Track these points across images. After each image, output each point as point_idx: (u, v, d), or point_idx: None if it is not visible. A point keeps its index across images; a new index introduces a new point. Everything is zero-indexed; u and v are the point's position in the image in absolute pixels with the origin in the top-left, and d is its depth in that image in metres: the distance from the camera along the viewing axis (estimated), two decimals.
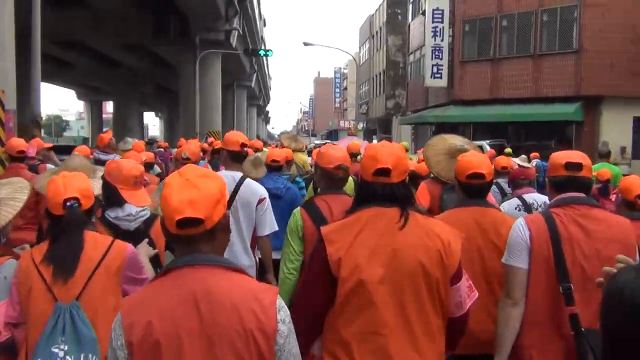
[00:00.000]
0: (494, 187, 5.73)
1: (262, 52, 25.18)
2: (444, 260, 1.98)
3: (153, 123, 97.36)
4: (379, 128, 42.00)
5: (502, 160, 6.28)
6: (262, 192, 3.81)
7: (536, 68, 20.34)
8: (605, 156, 10.12)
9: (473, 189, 2.81)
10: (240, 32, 30.18)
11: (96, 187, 2.66)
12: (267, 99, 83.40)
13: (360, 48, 47.77)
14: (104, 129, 39.47)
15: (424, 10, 23.84)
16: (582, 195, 2.47)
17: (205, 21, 25.82)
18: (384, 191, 2.05)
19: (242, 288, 1.54)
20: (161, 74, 36.31)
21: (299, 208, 3.11)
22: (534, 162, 10.97)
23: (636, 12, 18.75)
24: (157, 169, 7.79)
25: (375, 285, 1.95)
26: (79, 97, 57.88)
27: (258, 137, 35.97)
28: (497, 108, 20.98)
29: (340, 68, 70.19)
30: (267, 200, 3.80)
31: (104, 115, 61.29)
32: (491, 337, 2.50)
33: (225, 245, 1.63)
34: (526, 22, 20.56)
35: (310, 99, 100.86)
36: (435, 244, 1.99)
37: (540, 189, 5.99)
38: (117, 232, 2.58)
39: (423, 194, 4.39)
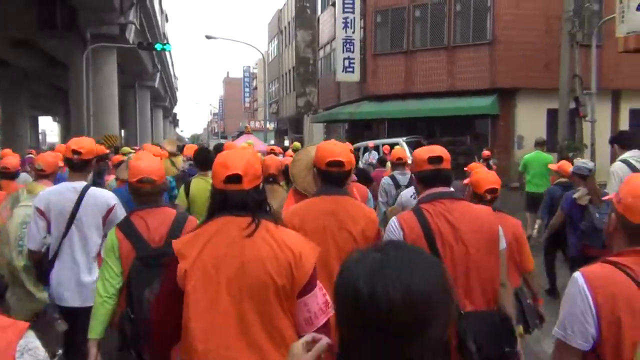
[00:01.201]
0: (388, 180, 6.04)
1: (159, 46, 22.86)
2: (293, 272, 1.98)
3: (51, 129, 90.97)
4: (290, 128, 40.59)
5: (398, 151, 6.53)
6: (110, 200, 3.61)
7: (450, 60, 19.54)
8: (540, 144, 9.83)
9: (332, 177, 2.82)
10: (138, 26, 27.81)
11: None
12: (174, 101, 79.85)
13: (269, 45, 46.06)
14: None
15: (334, 1, 22.52)
16: (448, 189, 2.67)
17: (96, 13, 23.50)
18: (235, 199, 2.05)
19: None
20: (55, 73, 32.96)
21: (114, 227, 2.92)
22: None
23: (550, 3, 18.33)
24: (24, 176, 6.72)
25: (221, 297, 1.97)
26: None
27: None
28: (411, 103, 20.02)
29: (250, 67, 68.36)
30: (117, 208, 3.59)
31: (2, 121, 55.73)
32: None
33: None
34: (439, 12, 19.70)
35: (220, 100, 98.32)
36: (286, 256, 2.00)
37: None
38: None
39: (289, 202, 4.21)
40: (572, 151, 17.07)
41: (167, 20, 49.00)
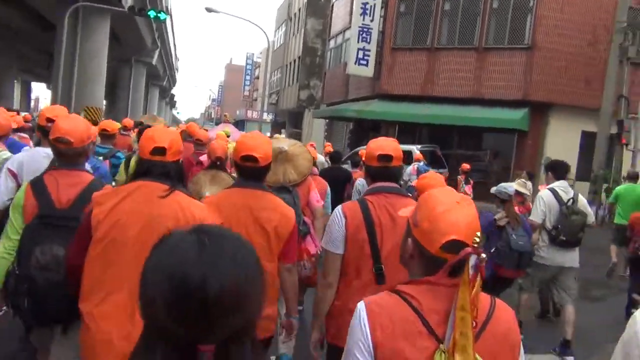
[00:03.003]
0: (363, 181, 6.26)
1: (152, 13, 20.37)
2: None
3: (45, 96, 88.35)
4: (289, 121, 38.25)
5: None
6: None
7: (480, 64, 17.20)
8: (633, 178, 9.51)
9: (246, 171, 2.84)
10: None
11: None
12: (172, 81, 77.30)
13: (275, 32, 43.55)
14: None
15: None
16: (393, 184, 2.76)
17: None
18: (158, 168, 2.31)
19: None
20: (48, 37, 30.92)
21: (26, 183, 2.82)
22: (416, 164, 11.09)
23: (599, 10, 16.03)
24: None
25: (124, 246, 2.20)
26: None
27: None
28: (429, 107, 17.68)
29: (253, 54, 66.07)
30: None
31: None
32: None
33: None
34: (473, 7, 17.36)
35: (219, 85, 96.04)
36: (186, 217, 2.24)
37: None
38: None
39: None
40: (607, 182, 14.84)
41: None
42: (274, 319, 2.94)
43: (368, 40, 18.52)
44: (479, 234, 1.46)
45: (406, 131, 18.80)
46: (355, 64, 18.59)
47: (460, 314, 1.40)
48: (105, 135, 5.82)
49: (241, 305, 0.97)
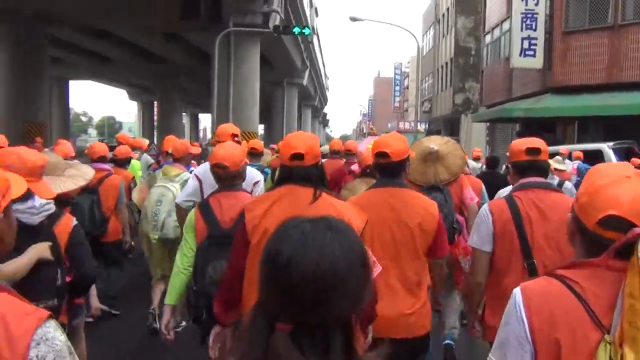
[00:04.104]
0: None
1: (296, 30, 20.24)
2: None
3: (211, 126, 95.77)
4: (444, 128, 36.15)
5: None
6: (256, 176, 4.05)
7: None
8: None
9: (381, 168, 2.90)
10: (282, 15, 25.72)
11: (58, 185, 2.76)
12: (324, 100, 78.88)
13: (423, 37, 41.69)
14: (154, 130, 42.32)
15: None
16: (541, 179, 2.73)
17: (239, 2, 22.18)
18: (299, 172, 2.41)
19: None
20: (208, 69, 33.22)
21: (195, 206, 3.15)
22: (576, 163, 9.97)
23: None
24: (145, 158, 9.24)
25: None
26: (131, 97, 56.56)
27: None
28: (616, 96, 14.78)
29: (401, 64, 64.72)
30: (261, 183, 4.11)
31: (156, 117, 59.85)
32: (394, 319, 2.71)
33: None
34: None
35: (369, 100, 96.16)
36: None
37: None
38: (20, 226, 2.01)
39: None
40: None
41: (317, 15, 46.96)
42: (425, 317, 2.88)
43: (534, 27, 16.12)
44: None
45: (588, 127, 16.02)
46: (520, 55, 16.27)
47: (629, 301, 1.23)
48: (254, 154, 6.30)
49: (332, 292, 1.00)
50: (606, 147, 11.98)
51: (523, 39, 16.21)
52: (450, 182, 4.32)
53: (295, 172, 2.41)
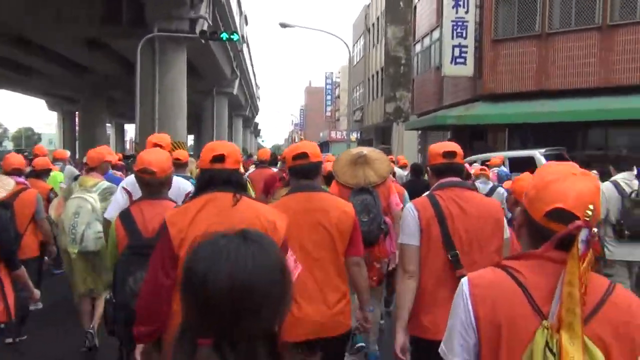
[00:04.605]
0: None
1: (224, 36, 19.46)
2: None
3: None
4: (376, 137, 36.25)
5: (478, 168, 8.09)
6: (187, 187, 4.03)
7: (606, 44, 14.34)
8: None
9: (299, 170, 2.97)
10: (210, 22, 24.89)
11: None
12: (255, 110, 77.96)
13: (353, 46, 41.81)
14: (76, 142, 40.57)
15: None
16: (458, 179, 2.90)
17: (163, 7, 21.17)
18: (220, 175, 2.40)
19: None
20: (131, 78, 31.91)
21: (116, 218, 3.09)
22: (495, 169, 10.02)
23: None
24: (70, 169, 8.59)
25: None
26: (51, 107, 53.53)
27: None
28: (545, 104, 14.98)
29: (332, 73, 65.01)
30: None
31: (77, 127, 57.08)
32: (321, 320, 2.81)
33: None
34: None
35: (301, 109, 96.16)
36: (262, 223, 2.31)
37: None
38: None
39: (334, 190, 4.51)
40: None
41: (246, 23, 46.19)
42: (348, 314, 2.93)
43: (464, 35, 16.16)
44: (592, 206, 1.37)
45: (519, 134, 16.19)
46: (451, 63, 16.26)
47: (567, 289, 1.32)
48: (178, 164, 6.33)
49: (249, 304, 1.01)
50: (538, 154, 12.06)
51: (454, 46, 16.22)
52: (378, 186, 4.51)
53: (216, 175, 2.40)
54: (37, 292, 3.66)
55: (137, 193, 3.58)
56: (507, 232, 2.85)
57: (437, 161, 2.91)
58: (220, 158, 2.39)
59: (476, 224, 2.73)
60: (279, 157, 8.28)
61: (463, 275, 2.58)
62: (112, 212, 3.84)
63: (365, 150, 4.73)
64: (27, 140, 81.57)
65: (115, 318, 2.77)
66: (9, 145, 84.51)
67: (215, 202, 2.34)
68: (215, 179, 2.38)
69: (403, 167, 11.56)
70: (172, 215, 2.37)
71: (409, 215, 2.81)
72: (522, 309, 1.37)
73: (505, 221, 2.86)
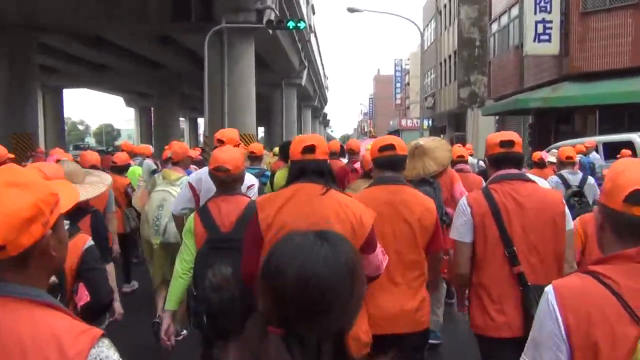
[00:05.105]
0: (557, 179, 6.06)
1: (291, 24, 19.14)
2: (356, 231, 2.33)
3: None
4: (449, 124, 35.02)
5: (566, 150, 6.57)
6: (250, 180, 4.00)
7: None
8: None
9: (385, 162, 2.95)
10: (277, 12, 24.71)
11: (82, 193, 2.71)
12: (324, 100, 77.85)
13: (424, 30, 40.41)
14: (153, 137, 41.03)
15: None
16: (516, 171, 2.82)
17: (231, 0, 21.10)
18: (311, 166, 2.45)
19: (42, 330, 1.16)
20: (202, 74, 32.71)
21: (194, 211, 3.20)
22: (578, 157, 8.75)
23: None
24: (148, 164, 8.82)
25: None
26: (128, 104, 55.55)
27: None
28: None
29: (401, 60, 63.61)
30: (255, 187, 4.10)
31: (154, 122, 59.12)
32: (397, 315, 2.80)
33: (48, 273, 1.30)
34: None
35: (370, 98, 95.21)
36: (349, 217, 2.35)
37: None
38: None
39: None
40: None
41: (313, 13, 45.84)
42: (425, 311, 2.91)
43: (548, 9, 14.90)
44: None
45: (611, 117, 14.80)
46: (534, 41, 15.05)
47: None
48: (253, 157, 6.24)
49: (317, 304, 1.04)
50: (637, 137, 10.82)
51: (537, 22, 14.99)
52: (440, 175, 4.49)
53: (307, 166, 2.45)
54: (119, 308, 3.54)
55: (203, 187, 3.82)
56: (571, 223, 2.80)
57: (494, 151, 2.86)
58: (311, 149, 2.45)
59: (534, 218, 2.68)
60: (345, 147, 8.14)
61: (520, 272, 2.61)
62: (177, 207, 4.06)
63: (422, 141, 4.73)
64: (107, 136, 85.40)
65: (197, 310, 2.82)
66: (91, 141, 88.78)
67: (304, 192, 2.41)
68: (307, 169, 2.44)
69: (472, 155, 10.89)
70: (262, 200, 2.52)
71: (462, 211, 2.80)
72: (618, 318, 1.30)
73: (568, 214, 2.78)
